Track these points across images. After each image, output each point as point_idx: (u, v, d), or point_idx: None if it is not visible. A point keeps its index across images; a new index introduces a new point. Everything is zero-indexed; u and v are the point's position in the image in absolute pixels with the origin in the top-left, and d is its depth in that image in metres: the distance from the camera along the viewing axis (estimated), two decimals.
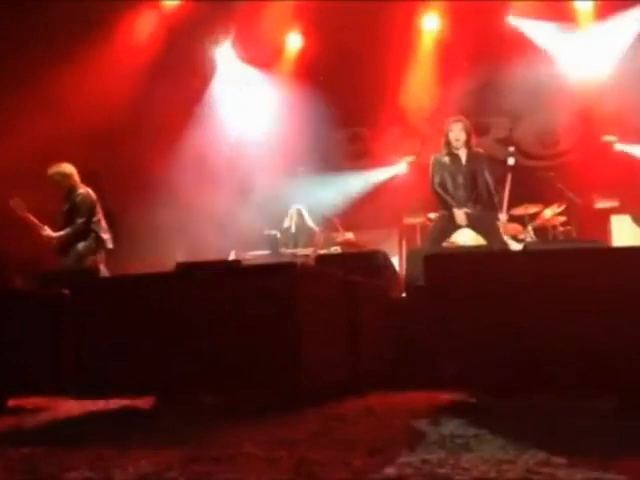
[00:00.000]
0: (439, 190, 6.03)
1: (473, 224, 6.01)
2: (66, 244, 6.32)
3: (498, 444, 2.31)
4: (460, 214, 5.92)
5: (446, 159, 6.05)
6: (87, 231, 6.35)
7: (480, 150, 6.17)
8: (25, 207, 6.21)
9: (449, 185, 6.00)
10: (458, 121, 6.08)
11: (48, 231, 6.33)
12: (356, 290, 3.92)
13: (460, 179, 5.99)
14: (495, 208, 6.12)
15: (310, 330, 3.26)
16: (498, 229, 5.98)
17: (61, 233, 6.34)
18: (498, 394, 3.23)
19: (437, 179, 6.04)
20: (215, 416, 3.24)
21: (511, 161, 6.55)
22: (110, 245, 6.47)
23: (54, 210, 6.53)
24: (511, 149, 6.72)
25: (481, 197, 5.99)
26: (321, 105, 9.55)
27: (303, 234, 8.62)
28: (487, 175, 6.02)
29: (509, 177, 6.43)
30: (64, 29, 8.33)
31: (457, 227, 6.17)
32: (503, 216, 6.24)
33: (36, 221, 6.30)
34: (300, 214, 8.74)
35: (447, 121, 6.13)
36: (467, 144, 6.03)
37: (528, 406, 3.08)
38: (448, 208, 5.98)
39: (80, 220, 6.31)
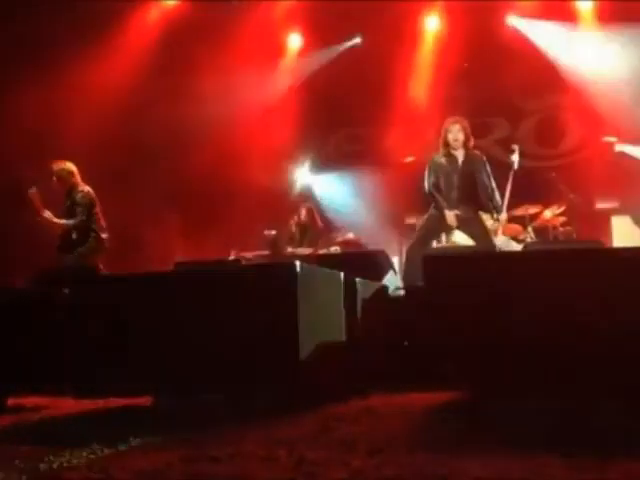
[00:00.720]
0: (432, 191, 6.00)
1: (462, 226, 5.99)
2: (66, 237, 6.28)
3: (498, 444, 2.31)
4: (451, 215, 5.88)
5: (443, 160, 6.00)
6: (87, 229, 6.33)
7: (478, 152, 6.12)
8: (40, 198, 6.19)
9: (442, 186, 5.96)
10: (456, 122, 6.02)
11: (48, 213, 6.24)
12: (356, 290, 3.92)
13: (455, 180, 5.94)
14: (494, 209, 6.05)
15: (310, 330, 3.26)
16: (487, 232, 5.92)
17: (62, 221, 6.29)
18: (498, 394, 3.23)
19: (432, 180, 6.01)
20: (215, 416, 3.24)
21: (515, 158, 6.30)
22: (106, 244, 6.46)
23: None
24: (514, 147, 6.47)
25: (477, 199, 5.95)
26: (321, 105, 9.56)
27: (309, 233, 8.53)
28: (485, 177, 5.98)
29: (510, 176, 6.27)
30: (63, 30, 8.34)
31: (446, 228, 6.14)
32: (503, 215, 6.16)
33: (49, 214, 6.24)
34: (311, 213, 8.66)
35: (445, 122, 6.07)
36: (465, 145, 5.99)
37: (528, 406, 3.08)
38: (439, 209, 5.95)
39: (81, 216, 6.28)
